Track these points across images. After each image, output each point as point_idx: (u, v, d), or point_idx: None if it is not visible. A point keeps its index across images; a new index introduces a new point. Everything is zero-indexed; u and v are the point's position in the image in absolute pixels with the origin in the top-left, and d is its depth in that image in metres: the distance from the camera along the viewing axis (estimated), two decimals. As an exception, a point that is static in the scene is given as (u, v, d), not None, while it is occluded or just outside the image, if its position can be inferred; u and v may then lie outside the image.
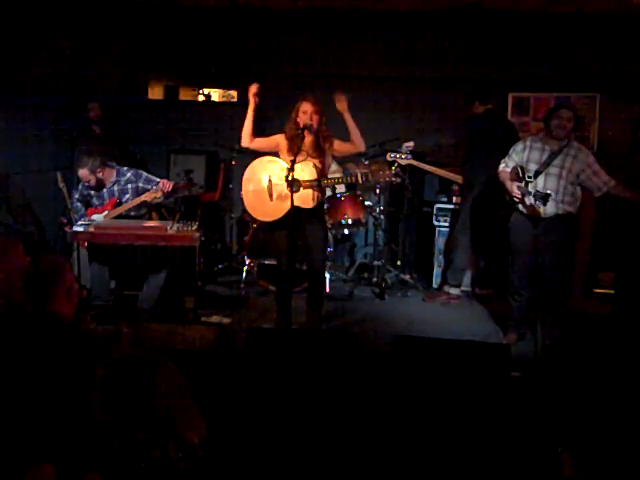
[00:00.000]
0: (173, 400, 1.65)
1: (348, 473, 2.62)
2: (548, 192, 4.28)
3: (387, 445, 2.75)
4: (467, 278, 5.85)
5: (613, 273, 5.44)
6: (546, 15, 6.33)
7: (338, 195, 5.78)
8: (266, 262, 5.69)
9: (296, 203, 4.10)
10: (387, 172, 4.44)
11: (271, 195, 4.35)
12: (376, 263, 6.06)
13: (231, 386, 2.96)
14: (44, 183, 5.94)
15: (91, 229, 4.59)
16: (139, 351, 1.77)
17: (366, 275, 6.21)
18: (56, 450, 1.83)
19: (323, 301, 4.61)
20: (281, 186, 4.25)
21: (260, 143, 4.37)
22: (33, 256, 2.78)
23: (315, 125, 4.23)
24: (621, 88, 6.37)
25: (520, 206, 4.46)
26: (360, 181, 4.40)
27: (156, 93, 7.57)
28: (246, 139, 4.33)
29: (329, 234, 5.48)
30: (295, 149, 4.17)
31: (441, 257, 5.99)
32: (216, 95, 7.92)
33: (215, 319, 4.88)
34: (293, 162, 4.05)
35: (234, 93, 7.65)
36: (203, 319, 4.79)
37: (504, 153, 4.63)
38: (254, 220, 5.50)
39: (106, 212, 4.90)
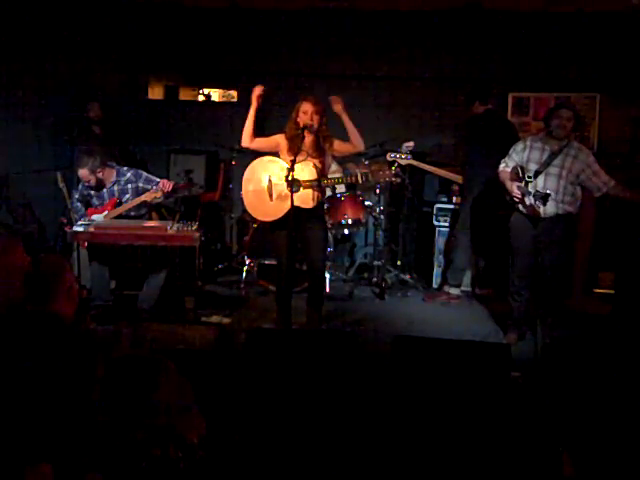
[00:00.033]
0: (173, 400, 1.65)
1: (348, 473, 2.62)
2: (548, 192, 4.28)
3: (387, 445, 2.75)
4: (467, 278, 5.85)
5: (613, 273, 5.44)
6: (546, 15, 6.34)
7: (338, 195, 5.78)
8: (266, 262, 5.69)
9: (296, 203, 4.10)
10: (387, 172, 4.44)
11: (271, 195, 4.34)
12: (376, 263, 6.06)
13: (231, 386, 2.96)
14: (44, 183, 5.93)
15: (91, 229, 4.58)
16: (139, 351, 1.78)
17: (366, 275, 6.21)
18: (56, 450, 1.83)
19: (323, 301, 4.61)
20: (281, 186, 4.25)
21: (260, 143, 4.37)
22: (33, 256, 2.78)
23: (315, 125, 4.22)
24: (621, 88, 6.37)
25: (520, 206, 4.46)
26: (360, 181, 4.40)
27: (156, 93, 7.57)
28: (246, 139, 4.33)
29: (329, 234, 5.47)
30: (295, 149, 4.17)
31: (441, 257, 5.99)
32: (216, 95, 7.91)
33: (215, 319, 4.88)
34: (293, 162, 4.05)
35: (234, 93, 7.64)
36: (203, 319, 4.79)
37: (504, 153, 4.63)
38: (254, 220, 5.50)
39: (106, 212, 4.90)
